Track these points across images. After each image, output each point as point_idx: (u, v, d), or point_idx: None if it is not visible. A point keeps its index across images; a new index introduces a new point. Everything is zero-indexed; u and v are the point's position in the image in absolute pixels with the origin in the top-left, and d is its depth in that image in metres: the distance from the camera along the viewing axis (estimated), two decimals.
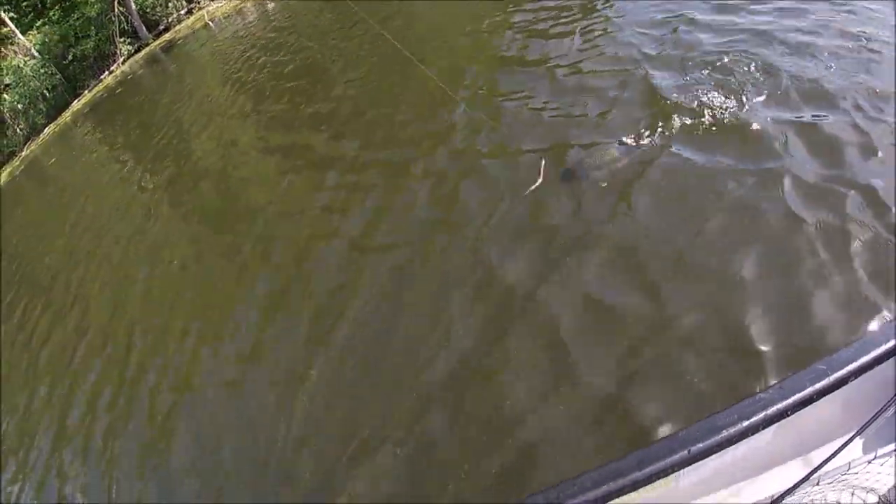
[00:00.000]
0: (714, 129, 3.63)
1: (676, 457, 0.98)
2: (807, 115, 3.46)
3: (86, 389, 5.08)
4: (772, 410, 1.06)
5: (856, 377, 1.22)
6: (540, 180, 3.79)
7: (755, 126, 3.51)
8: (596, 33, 5.26)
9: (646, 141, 3.75)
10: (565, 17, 5.77)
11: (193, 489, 3.58)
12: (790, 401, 1.11)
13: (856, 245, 2.70)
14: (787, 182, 3.13)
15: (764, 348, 2.50)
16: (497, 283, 3.40)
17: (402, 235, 4.27)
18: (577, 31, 5.40)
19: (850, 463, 1.44)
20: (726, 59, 4.08)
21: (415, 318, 3.54)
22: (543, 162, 3.83)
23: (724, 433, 1.01)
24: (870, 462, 1.48)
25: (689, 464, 0.99)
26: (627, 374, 2.64)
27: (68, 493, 4.17)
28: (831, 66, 3.75)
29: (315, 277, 4.39)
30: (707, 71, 4.07)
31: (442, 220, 4.17)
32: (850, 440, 1.25)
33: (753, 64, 3.94)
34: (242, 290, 4.85)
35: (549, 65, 5.18)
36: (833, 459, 1.23)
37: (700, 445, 0.99)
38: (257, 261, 5.05)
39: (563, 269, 3.26)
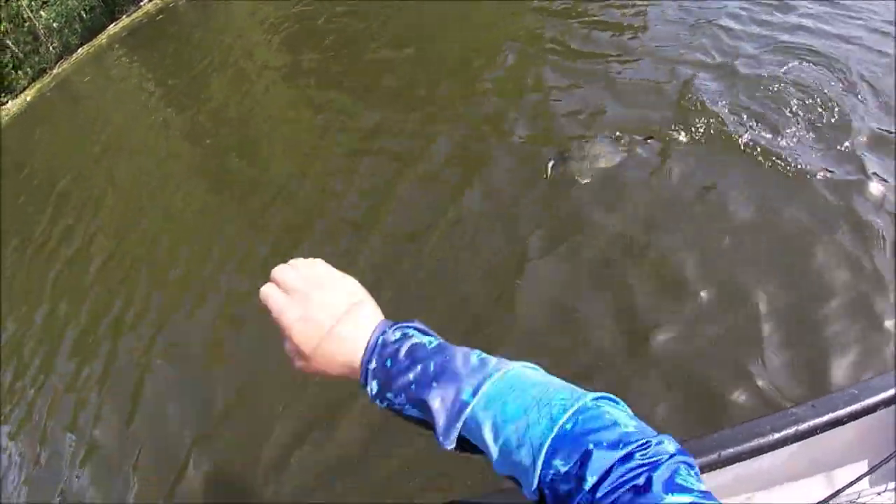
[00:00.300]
0: (746, 147, 3.51)
1: (707, 458, 0.98)
2: (852, 148, 3.30)
3: (84, 317, 5.25)
4: (803, 427, 1.06)
5: (886, 406, 1.22)
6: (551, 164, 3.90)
7: (789, 152, 3.38)
8: (651, 29, 5.08)
9: (658, 143, 3.75)
10: (621, 7, 5.59)
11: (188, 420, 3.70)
12: (820, 420, 1.10)
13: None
14: (805, 205, 3.05)
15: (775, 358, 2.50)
16: (509, 260, 3.49)
17: (419, 211, 4.24)
18: (635, 25, 5.22)
19: (859, 492, 1.44)
20: (778, 84, 3.88)
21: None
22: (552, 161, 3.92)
23: (755, 442, 1.01)
24: (879, 494, 1.49)
25: (718, 467, 0.99)
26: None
27: (51, 429, 4.33)
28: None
29: (330, 245, 4.37)
30: (758, 89, 3.89)
31: (460, 197, 4.14)
32: (871, 471, 1.25)
33: (809, 95, 3.71)
34: (257, 242, 4.90)
35: (595, 56, 5.03)
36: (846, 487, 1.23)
37: (730, 450, 0.99)
38: (277, 216, 5.06)
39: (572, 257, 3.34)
